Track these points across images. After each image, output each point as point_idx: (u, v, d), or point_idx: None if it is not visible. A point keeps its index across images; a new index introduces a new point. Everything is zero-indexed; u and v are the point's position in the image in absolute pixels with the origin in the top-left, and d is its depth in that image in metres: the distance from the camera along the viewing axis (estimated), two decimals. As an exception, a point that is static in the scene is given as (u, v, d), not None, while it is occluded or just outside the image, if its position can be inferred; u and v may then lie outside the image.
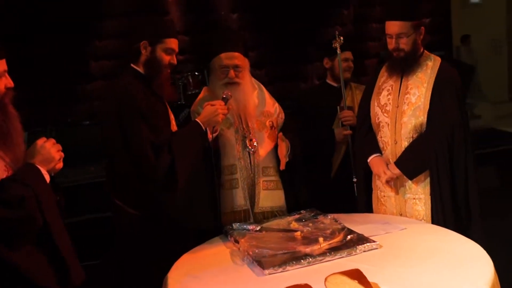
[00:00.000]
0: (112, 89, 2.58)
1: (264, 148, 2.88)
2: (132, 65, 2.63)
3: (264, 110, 2.97)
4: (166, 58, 2.57)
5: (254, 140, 2.86)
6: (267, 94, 3.05)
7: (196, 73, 5.64)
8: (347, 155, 3.46)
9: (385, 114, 2.91)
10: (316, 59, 7.05)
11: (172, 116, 2.75)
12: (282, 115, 3.06)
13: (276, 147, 2.90)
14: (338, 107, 3.51)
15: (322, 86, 3.74)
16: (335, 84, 3.65)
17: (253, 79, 3.01)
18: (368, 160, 2.94)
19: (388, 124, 2.89)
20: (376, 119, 2.96)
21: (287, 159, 2.83)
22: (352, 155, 3.40)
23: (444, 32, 7.99)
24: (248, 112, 2.88)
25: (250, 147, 2.84)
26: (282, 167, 2.81)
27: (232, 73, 2.80)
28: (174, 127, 2.75)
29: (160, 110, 2.64)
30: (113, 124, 2.48)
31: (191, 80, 5.59)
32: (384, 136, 2.91)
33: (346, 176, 3.38)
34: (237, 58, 2.81)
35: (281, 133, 2.90)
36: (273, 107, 3.03)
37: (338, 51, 3.48)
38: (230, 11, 7.05)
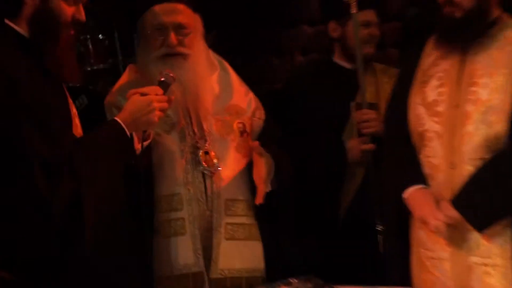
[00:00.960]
0: None
1: (229, 167, 2.89)
2: (7, 21, 2.57)
3: (229, 104, 3.00)
4: (68, 10, 2.54)
5: (212, 153, 2.87)
6: (235, 78, 3.09)
7: (101, 36, 5.67)
8: (366, 184, 3.48)
9: (435, 119, 2.91)
10: (304, 18, 7.13)
11: (74, 111, 2.72)
12: (261, 113, 3.06)
13: (249, 167, 2.92)
14: (352, 103, 3.54)
15: (325, 67, 3.79)
16: (347, 65, 3.68)
17: (211, 52, 3.05)
18: (405, 195, 2.92)
19: (441, 136, 2.89)
20: (420, 126, 2.96)
21: (268, 189, 2.86)
22: (376, 185, 3.39)
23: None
24: (202, 106, 2.90)
25: (205, 165, 2.84)
26: (259, 200, 2.84)
27: (173, 37, 2.83)
28: (77, 128, 2.70)
29: (56, 101, 2.59)
30: None
31: (91, 48, 5.62)
32: (433, 156, 2.91)
33: (365, 220, 3.40)
34: (181, 13, 2.85)
35: (257, 143, 2.91)
36: (245, 100, 3.05)
37: (354, 10, 3.47)
38: None
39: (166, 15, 2.85)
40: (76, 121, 2.71)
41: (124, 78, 3.02)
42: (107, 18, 6.08)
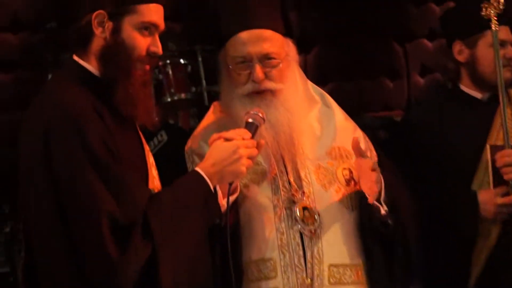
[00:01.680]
0: (34, 110, 2.59)
1: (333, 224, 2.86)
2: (75, 57, 2.65)
3: (332, 147, 2.98)
4: (143, 42, 2.61)
5: (312, 207, 2.83)
6: (339, 113, 3.08)
7: (182, 60, 5.78)
8: (504, 247, 3.42)
9: None
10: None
11: (151, 159, 2.78)
12: (373, 156, 3.03)
13: (357, 222, 2.90)
14: (488, 145, 3.47)
15: (451, 96, 3.76)
16: (478, 95, 3.63)
17: (309, 83, 3.06)
18: None
19: None
20: None
21: (385, 207, 2.82)
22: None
23: None
24: (299, 150, 2.89)
25: (304, 223, 2.81)
26: (372, 200, 2.79)
27: (259, 71, 2.82)
28: (154, 181, 2.75)
29: (130, 148, 2.65)
30: (37, 180, 2.48)
31: (170, 73, 5.73)
32: None
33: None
34: (268, 40, 2.86)
35: (356, 139, 2.89)
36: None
37: (494, 26, 3.41)
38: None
39: (251, 44, 2.84)
40: (153, 172, 2.76)
41: (207, 119, 3.07)
42: (189, 40, 6.18)
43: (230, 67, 2.86)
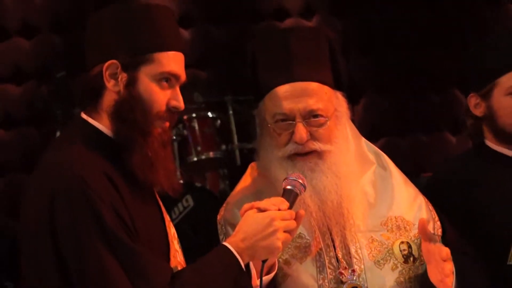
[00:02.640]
0: (39, 174, 2.60)
1: None
2: (83, 115, 2.68)
3: (389, 216, 2.99)
4: (162, 96, 2.62)
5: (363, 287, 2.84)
6: (398, 176, 3.11)
7: (210, 114, 5.83)
8: None
9: None
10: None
11: (172, 230, 2.78)
12: (438, 226, 3.04)
13: None
14: None
15: (478, 155, 3.76)
16: (507, 151, 3.63)
17: (363, 141, 3.11)
18: None
19: None
20: None
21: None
22: None
23: None
24: (348, 221, 2.89)
25: None
26: None
27: (302, 131, 2.85)
28: (177, 255, 2.76)
29: (148, 220, 2.65)
30: (41, 252, 2.48)
31: (197, 129, 5.80)
32: None
33: None
34: (314, 95, 2.89)
35: (423, 220, 2.89)
36: (412, 208, 3.04)
37: None
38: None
39: (293, 100, 2.86)
40: (175, 245, 2.77)
41: (244, 182, 3.08)
42: (218, 91, 6.22)
43: (270, 125, 2.89)
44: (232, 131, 6.10)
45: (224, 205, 3.03)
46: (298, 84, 2.84)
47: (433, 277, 2.77)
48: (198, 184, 5.72)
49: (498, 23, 7.84)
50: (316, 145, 2.84)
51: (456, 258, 2.84)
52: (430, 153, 7.51)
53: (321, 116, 2.85)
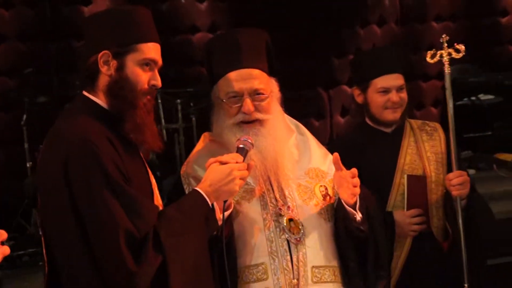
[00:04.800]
0: (54, 138, 2.53)
1: (314, 233, 2.83)
2: (85, 93, 2.62)
3: (310, 168, 2.96)
4: (145, 77, 2.57)
5: (296, 219, 2.80)
6: (313, 140, 3.07)
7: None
8: (417, 258, 3.42)
9: None
10: (342, 80, 7.26)
11: (153, 180, 2.73)
12: (335, 154, 2.94)
13: (333, 231, 2.89)
14: (406, 175, 3.46)
15: (362, 130, 3.74)
16: (384, 129, 3.63)
17: (286, 116, 3.03)
18: None
19: None
20: None
21: (360, 214, 2.80)
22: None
23: None
24: (282, 172, 2.85)
25: (290, 232, 2.77)
26: (352, 199, 2.79)
27: (249, 104, 2.80)
28: (158, 199, 2.71)
29: (138, 172, 2.61)
30: (58, 201, 2.43)
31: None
32: None
33: (417, 285, 3.40)
34: (257, 78, 2.83)
35: (337, 155, 2.84)
36: (324, 162, 3.02)
37: (447, 69, 3.36)
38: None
39: (242, 81, 2.81)
40: (156, 191, 2.72)
41: (199, 146, 3.01)
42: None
43: (224, 100, 2.83)
44: (160, 115, 6.06)
45: (185, 163, 2.96)
46: (245, 70, 2.81)
47: (343, 195, 2.78)
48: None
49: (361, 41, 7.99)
50: (259, 115, 2.81)
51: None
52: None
53: (263, 94, 2.81)
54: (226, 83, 2.82)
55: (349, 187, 2.75)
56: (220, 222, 2.58)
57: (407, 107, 3.59)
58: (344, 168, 2.78)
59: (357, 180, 2.75)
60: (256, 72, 2.83)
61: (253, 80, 2.81)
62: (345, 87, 7.59)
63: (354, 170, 2.77)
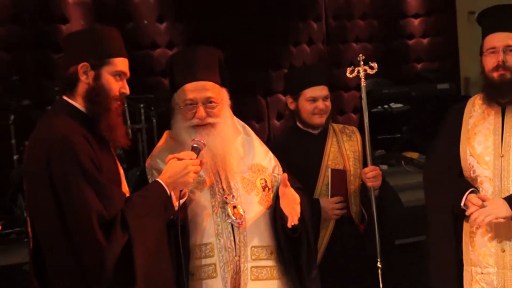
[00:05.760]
0: (38, 136, 2.51)
1: (254, 218, 2.81)
2: (65, 97, 2.59)
3: (253, 164, 2.93)
4: (116, 86, 2.57)
5: (239, 206, 2.78)
6: (256, 140, 3.03)
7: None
8: (338, 239, 3.43)
9: (484, 166, 2.96)
10: (278, 89, 7.25)
11: (122, 172, 2.71)
12: (280, 170, 2.98)
13: (270, 217, 2.86)
14: (330, 169, 3.46)
15: (293, 133, 3.67)
16: (312, 131, 3.59)
17: (235, 118, 2.99)
18: (464, 197, 2.91)
19: (491, 179, 2.94)
20: (472, 172, 3.00)
21: (297, 217, 2.73)
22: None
23: None
24: (229, 167, 2.83)
25: (234, 217, 2.76)
26: (291, 223, 2.72)
27: (202, 111, 2.77)
28: (125, 187, 2.69)
29: (109, 164, 2.60)
30: (41, 188, 2.41)
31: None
32: (485, 194, 2.94)
33: (338, 260, 3.38)
34: (209, 89, 2.80)
35: (285, 175, 2.81)
36: (265, 159, 2.99)
37: (363, 82, 3.40)
38: (156, 20, 7.40)
39: (197, 92, 2.77)
40: (124, 181, 2.72)
41: (161, 142, 2.96)
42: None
43: (181, 107, 2.81)
44: (127, 117, 5.97)
45: (149, 157, 2.93)
46: (200, 83, 2.78)
47: (285, 209, 2.75)
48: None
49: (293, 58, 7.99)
50: (210, 120, 2.78)
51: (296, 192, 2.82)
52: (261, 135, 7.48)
53: (214, 102, 2.79)
54: (184, 93, 2.79)
55: (289, 203, 2.74)
56: (176, 208, 2.57)
57: (331, 113, 3.59)
58: (289, 185, 2.75)
59: (298, 208, 2.73)
60: (209, 84, 2.80)
61: (206, 91, 2.78)
62: (281, 96, 7.55)
63: (298, 199, 2.75)
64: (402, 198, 3.70)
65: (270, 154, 3.00)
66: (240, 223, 2.77)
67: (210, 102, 2.79)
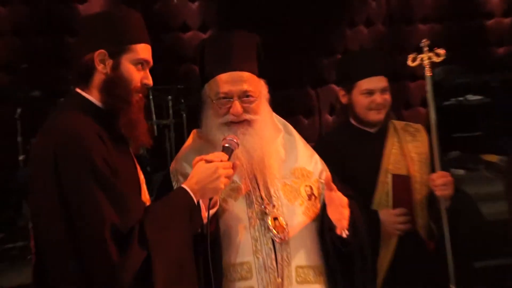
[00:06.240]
0: (45, 133, 2.52)
1: (298, 232, 2.79)
2: (78, 90, 2.60)
3: (296, 168, 2.93)
4: (138, 76, 2.58)
5: (280, 218, 2.77)
6: (299, 140, 3.03)
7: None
8: (403, 257, 3.37)
9: None
10: (330, 79, 7.23)
11: (142, 177, 2.72)
12: (328, 174, 2.94)
13: (318, 231, 2.86)
14: (391, 175, 3.44)
15: (346, 129, 3.69)
16: (368, 129, 3.60)
17: (274, 115, 3.01)
18: None
19: None
20: None
21: (346, 231, 2.73)
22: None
23: None
24: (268, 171, 2.83)
25: (275, 231, 2.74)
26: (341, 230, 2.72)
27: (238, 106, 2.78)
28: (145, 195, 2.69)
29: (126, 168, 2.60)
30: (47, 192, 2.40)
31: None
32: None
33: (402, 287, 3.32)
34: (246, 81, 2.81)
35: (329, 177, 2.80)
36: (310, 162, 2.99)
37: (427, 72, 3.39)
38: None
39: (232, 84, 2.79)
40: (144, 187, 2.71)
41: (188, 143, 2.98)
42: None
43: (214, 101, 2.82)
44: (152, 111, 6.00)
45: (174, 159, 2.94)
46: (236, 73, 2.78)
47: (333, 216, 2.74)
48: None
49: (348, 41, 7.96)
50: (247, 116, 2.78)
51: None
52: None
53: (252, 96, 2.79)
54: (217, 84, 2.80)
55: (338, 211, 2.73)
56: (205, 220, 2.56)
57: (391, 108, 3.56)
58: (335, 188, 2.74)
59: (346, 212, 2.72)
60: (246, 75, 2.80)
61: (242, 83, 2.79)
62: (334, 86, 7.55)
63: (346, 201, 2.75)
64: (483, 209, 3.62)
65: (316, 156, 3.01)
66: (283, 237, 2.74)
67: (247, 96, 2.79)
